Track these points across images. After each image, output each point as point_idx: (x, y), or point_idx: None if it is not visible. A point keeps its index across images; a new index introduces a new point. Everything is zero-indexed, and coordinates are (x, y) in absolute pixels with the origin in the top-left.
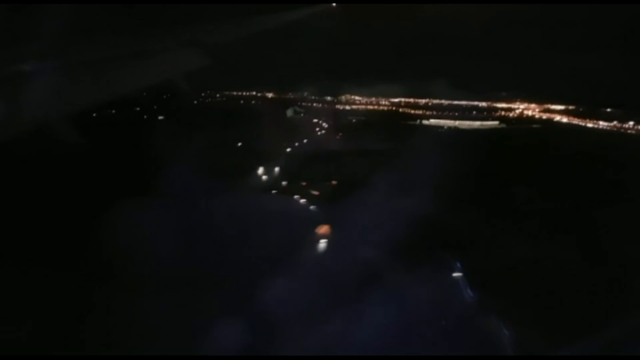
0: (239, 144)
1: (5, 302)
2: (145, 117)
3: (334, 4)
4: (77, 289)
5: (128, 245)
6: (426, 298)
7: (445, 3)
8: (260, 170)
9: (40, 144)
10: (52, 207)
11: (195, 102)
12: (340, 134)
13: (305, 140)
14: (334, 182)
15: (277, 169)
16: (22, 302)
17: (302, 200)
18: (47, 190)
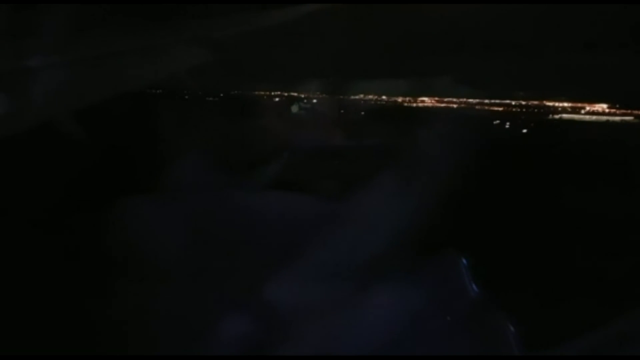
0: (242, 141)
1: (7, 301)
2: (149, 113)
3: (337, 4)
4: (80, 286)
5: (132, 240)
6: (430, 294)
7: (452, 3)
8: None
9: (44, 139)
10: (56, 202)
11: (199, 97)
12: (346, 129)
13: (310, 136)
14: (339, 178)
15: (281, 165)
16: (24, 301)
17: (308, 196)
18: (51, 185)
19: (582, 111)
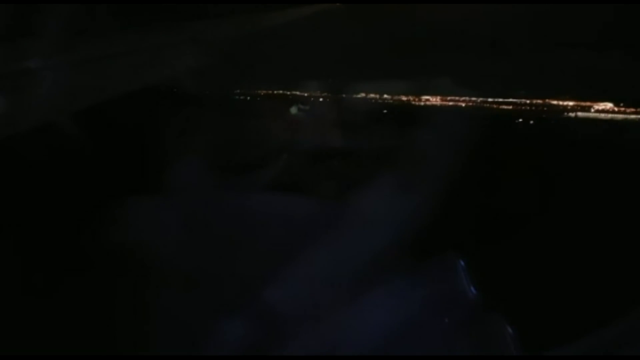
0: (242, 142)
1: (6, 300)
2: (147, 114)
3: (337, 4)
4: (78, 286)
5: (130, 241)
6: (429, 295)
7: (451, 3)
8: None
9: (43, 140)
10: (55, 204)
11: (199, 99)
12: (347, 130)
13: (310, 137)
14: (339, 180)
15: (281, 167)
16: (23, 300)
17: (307, 198)
18: (51, 187)
19: (590, 110)
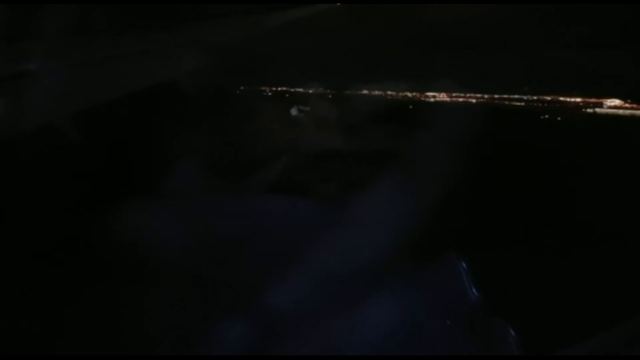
0: (243, 142)
1: (4, 301)
2: (147, 115)
3: (337, 4)
4: (78, 287)
5: (130, 243)
6: (430, 297)
7: (450, 3)
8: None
9: (42, 142)
10: (54, 205)
11: (199, 100)
12: (347, 131)
13: (309, 139)
14: (339, 181)
15: (281, 168)
16: (21, 301)
17: (308, 200)
18: (50, 188)
19: (598, 106)
